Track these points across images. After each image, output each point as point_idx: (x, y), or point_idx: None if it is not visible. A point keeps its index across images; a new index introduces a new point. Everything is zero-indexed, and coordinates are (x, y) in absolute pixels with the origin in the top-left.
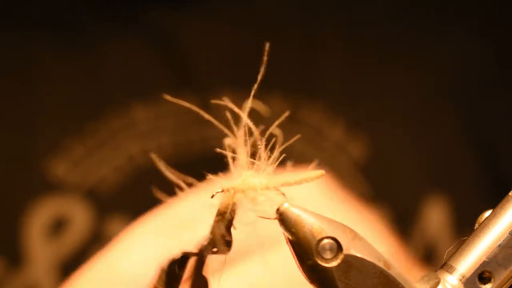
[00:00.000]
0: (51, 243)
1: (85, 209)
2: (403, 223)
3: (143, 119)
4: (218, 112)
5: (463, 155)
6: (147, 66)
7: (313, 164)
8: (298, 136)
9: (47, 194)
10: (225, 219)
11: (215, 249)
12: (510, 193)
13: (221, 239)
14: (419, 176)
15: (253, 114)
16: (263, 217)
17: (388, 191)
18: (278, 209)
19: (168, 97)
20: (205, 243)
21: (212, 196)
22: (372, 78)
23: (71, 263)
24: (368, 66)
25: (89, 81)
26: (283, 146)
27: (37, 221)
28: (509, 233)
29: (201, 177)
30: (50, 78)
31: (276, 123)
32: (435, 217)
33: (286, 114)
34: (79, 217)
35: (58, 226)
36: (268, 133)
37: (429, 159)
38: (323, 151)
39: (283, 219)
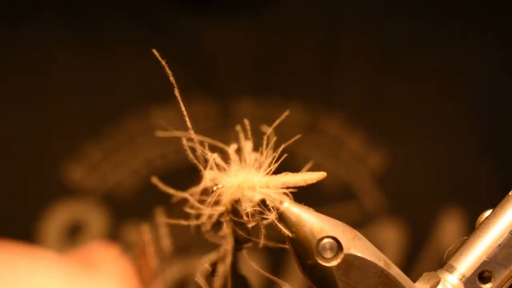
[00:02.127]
0: (67, 248)
1: (101, 213)
2: (419, 235)
3: (161, 123)
4: (236, 118)
5: (481, 168)
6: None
7: (310, 165)
8: (298, 136)
9: (64, 198)
10: (231, 215)
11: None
12: (510, 193)
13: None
14: (437, 188)
15: (260, 118)
16: (263, 217)
17: (405, 202)
18: (278, 209)
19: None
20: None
21: (212, 191)
22: (391, 89)
23: None
24: (387, 76)
25: (108, 85)
26: (283, 146)
27: (54, 225)
28: (509, 232)
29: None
30: (69, 81)
31: (276, 122)
32: (451, 229)
33: (286, 113)
34: (95, 221)
35: (74, 230)
36: (267, 133)
37: (446, 172)
38: (341, 161)
39: (283, 219)
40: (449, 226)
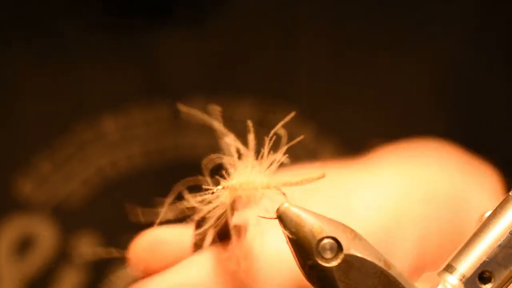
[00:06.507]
0: (17, 263)
1: (52, 226)
2: None
3: (113, 129)
4: (190, 119)
5: None
6: (117, 76)
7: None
8: (302, 136)
9: (13, 213)
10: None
11: None
12: (510, 193)
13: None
14: None
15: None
16: (263, 217)
17: None
18: (278, 209)
19: None
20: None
21: (213, 193)
22: (345, 81)
23: (37, 283)
24: (342, 69)
25: (59, 95)
26: (286, 147)
27: (3, 240)
28: (509, 233)
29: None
30: (20, 94)
31: (281, 123)
32: None
33: (292, 114)
34: (46, 235)
35: (24, 245)
36: (272, 134)
37: None
38: (294, 155)
39: (283, 219)
40: None
